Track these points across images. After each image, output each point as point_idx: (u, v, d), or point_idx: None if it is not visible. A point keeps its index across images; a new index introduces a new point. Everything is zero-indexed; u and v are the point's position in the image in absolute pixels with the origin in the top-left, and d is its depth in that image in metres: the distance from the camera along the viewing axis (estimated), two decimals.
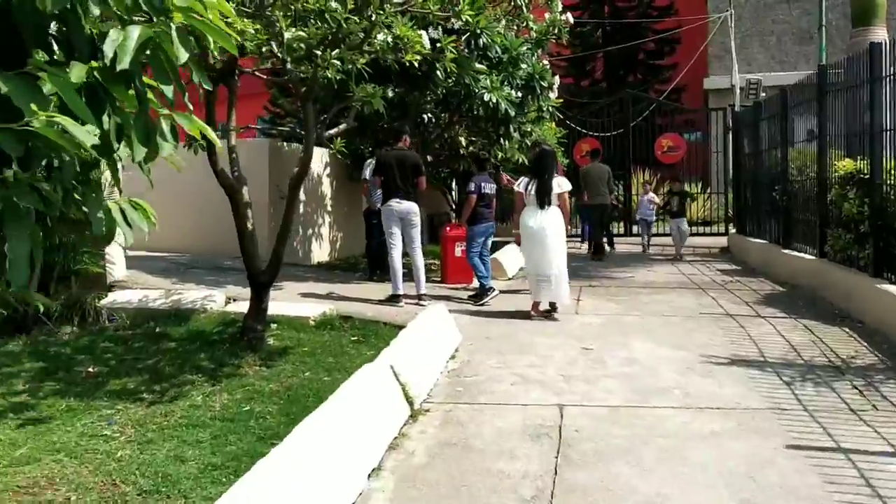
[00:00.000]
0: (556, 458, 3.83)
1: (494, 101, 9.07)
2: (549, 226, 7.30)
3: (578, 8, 26.43)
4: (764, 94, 17.84)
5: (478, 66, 9.05)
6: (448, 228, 9.74)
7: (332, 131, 6.32)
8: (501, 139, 10.36)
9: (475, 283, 8.74)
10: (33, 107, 1.80)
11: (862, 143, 7.47)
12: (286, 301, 7.48)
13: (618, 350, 6.01)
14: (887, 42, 6.70)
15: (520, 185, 7.62)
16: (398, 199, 8.01)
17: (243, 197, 6.14)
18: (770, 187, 11.09)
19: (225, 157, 6.31)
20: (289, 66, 5.71)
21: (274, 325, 6.45)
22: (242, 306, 6.56)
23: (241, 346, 5.86)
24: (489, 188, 8.45)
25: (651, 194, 14.62)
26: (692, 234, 16.04)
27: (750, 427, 4.25)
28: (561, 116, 14.91)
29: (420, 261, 8.15)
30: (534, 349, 6.06)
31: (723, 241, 15.19)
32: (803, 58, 23.79)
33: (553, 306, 7.43)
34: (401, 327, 6.44)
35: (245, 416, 4.35)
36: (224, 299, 7.33)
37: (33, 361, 5.49)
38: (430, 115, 9.73)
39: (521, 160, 12.26)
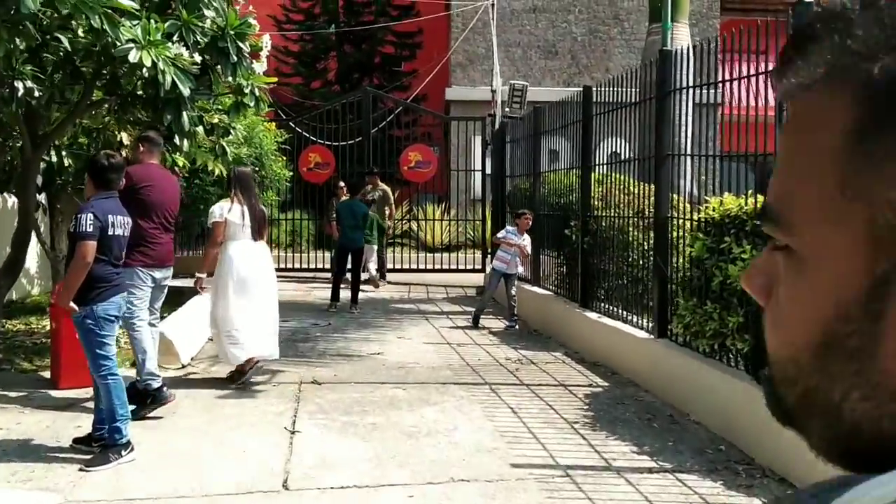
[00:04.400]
0: None
1: (149, 64, 5.08)
2: (267, 266, 6.07)
3: None
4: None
5: None
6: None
7: None
8: (175, 136, 6.31)
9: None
10: None
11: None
12: None
13: None
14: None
15: (222, 212, 5.84)
16: None
17: None
18: (561, 221, 8.22)
19: None
20: None
21: None
22: None
23: None
24: (122, 223, 4.37)
25: (525, 236, 8.63)
26: (439, 270, 13.04)
27: None
28: (274, 108, 11.06)
29: None
30: None
31: (477, 278, 12.31)
32: (549, 73, 22.35)
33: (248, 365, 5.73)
34: None
35: None
36: None
37: None
38: (33, 84, 5.44)
39: (220, 172, 8.31)
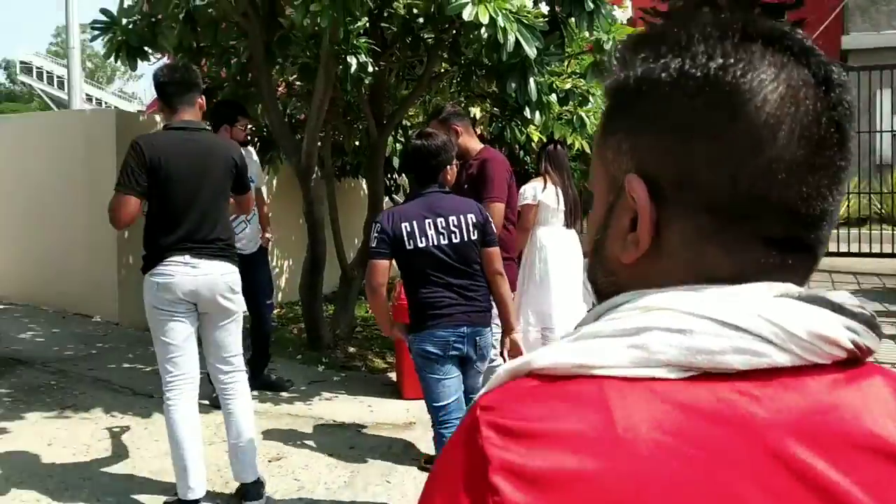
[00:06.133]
0: None
1: (486, 21, 4.20)
2: (577, 257, 5.06)
3: None
4: None
5: None
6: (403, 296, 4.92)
7: None
8: (523, 108, 5.39)
9: None
10: None
11: None
12: None
13: None
14: None
15: (535, 194, 4.90)
16: (186, 259, 3.17)
17: None
18: None
19: None
20: None
21: None
22: None
23: None
24: (441, 227, 3.09)
25: None
26: (843, 254, 10.63)
27: None
28: None
29: (245, 418, 3.31)
30: None
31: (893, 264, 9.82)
32: None
33: None
34: None
35: None
36: None
37: None
38: (367, 59, 4.92)
39: (580, 147, 7.31)
